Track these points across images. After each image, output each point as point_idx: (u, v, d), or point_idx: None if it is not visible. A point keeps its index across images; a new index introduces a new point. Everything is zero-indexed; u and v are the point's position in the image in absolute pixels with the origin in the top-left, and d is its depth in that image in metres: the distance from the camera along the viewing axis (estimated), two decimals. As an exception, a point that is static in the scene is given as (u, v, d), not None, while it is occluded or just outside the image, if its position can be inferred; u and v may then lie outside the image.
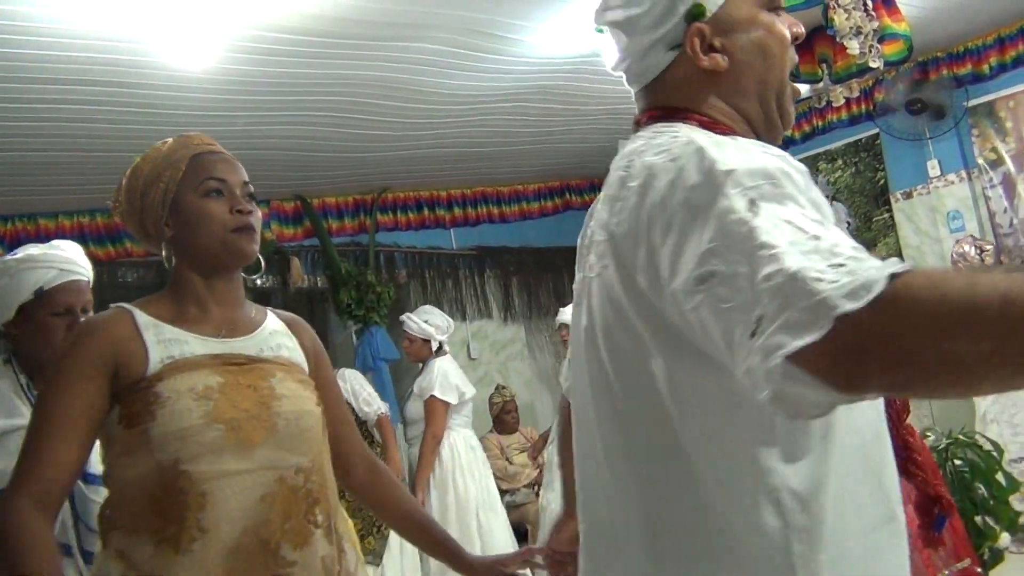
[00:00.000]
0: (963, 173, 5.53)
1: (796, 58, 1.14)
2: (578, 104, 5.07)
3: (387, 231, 6.23)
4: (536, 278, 6.95)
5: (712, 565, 0.94)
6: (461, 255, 6.65)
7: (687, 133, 0.99)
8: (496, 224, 6.82)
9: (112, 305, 1.48)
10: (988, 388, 0.74)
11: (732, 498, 0.93)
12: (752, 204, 0.82)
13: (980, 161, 5.46)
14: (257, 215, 1.53)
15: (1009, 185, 5.35)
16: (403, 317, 4.91)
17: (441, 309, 6.49)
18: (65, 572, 1.83)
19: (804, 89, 3.16)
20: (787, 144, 7.12)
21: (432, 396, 4.64)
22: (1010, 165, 5.34)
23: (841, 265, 0.73)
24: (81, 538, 1.84)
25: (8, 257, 1.98)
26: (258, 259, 1.55)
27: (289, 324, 1.65)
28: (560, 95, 4.87)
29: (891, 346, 0.71)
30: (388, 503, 1.77)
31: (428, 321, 4.86)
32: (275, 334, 1.59)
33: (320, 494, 1.47)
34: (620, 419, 1.02)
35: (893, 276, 0.71)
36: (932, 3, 4.37)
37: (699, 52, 1.08)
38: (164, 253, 1.53)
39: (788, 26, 1.12)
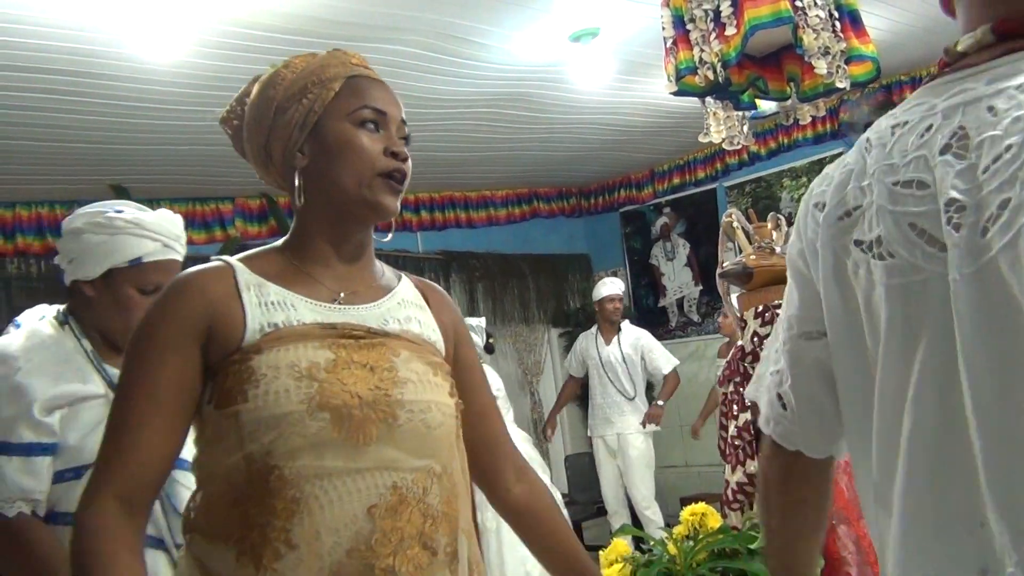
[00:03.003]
0: (923, 194, 5.63)
1: None
2: (548, 112, 5.09)
3: (353, 232, 6.18)
4: (501, 284, 6.95)
5: None
6: (427, 259, 6.63)
7: None
8: (463, 229, 6.82)
9: (213, 257, 1.24)
10: None
11: None
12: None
13: (939, 183, 5.56)
14: (409, 165, 1.26)
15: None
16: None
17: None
18: (156, 566, 1.58)
19: (771, 106, 3.22)
20: (753, 160, 7.09)
21: None
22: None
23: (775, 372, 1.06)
24: (173, 529, 1.63)
25: (115, 213, 1.73)
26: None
27: (426, 294, 1.36)
28: (531, 103, 4.88)
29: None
30: (540, 527, 1.41)
31: None
32: (405, 304, 1.30)
33: (447, 510, 1.18)
34: None
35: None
36: (897, 27, 4.46)
37: None
38: (290, 187, 1.25)
39: None
